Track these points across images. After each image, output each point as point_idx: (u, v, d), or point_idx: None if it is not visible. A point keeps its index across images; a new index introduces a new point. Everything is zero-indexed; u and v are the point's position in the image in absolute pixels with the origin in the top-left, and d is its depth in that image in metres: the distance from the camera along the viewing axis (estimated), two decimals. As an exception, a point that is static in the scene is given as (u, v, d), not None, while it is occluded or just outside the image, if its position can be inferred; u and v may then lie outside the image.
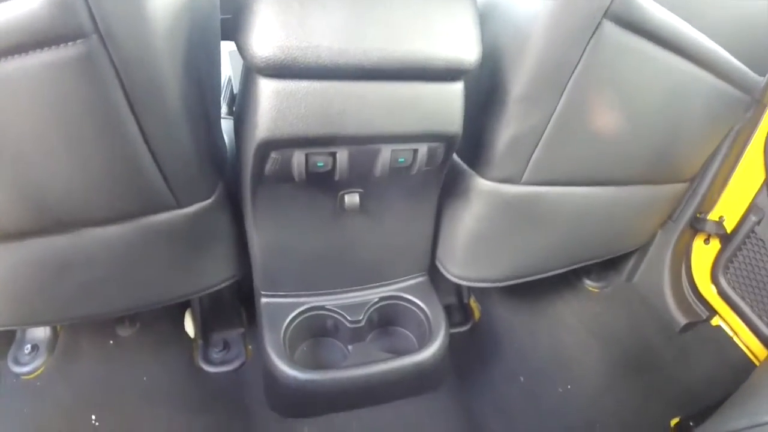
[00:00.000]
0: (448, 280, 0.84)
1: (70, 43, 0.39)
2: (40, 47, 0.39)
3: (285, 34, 0.45)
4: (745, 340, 0.99)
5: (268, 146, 0.51)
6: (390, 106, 0.52)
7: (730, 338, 1.02)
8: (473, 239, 0.77)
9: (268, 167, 0.54)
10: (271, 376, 0.71)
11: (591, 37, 0.54)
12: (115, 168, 0.50)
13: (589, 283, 1.18)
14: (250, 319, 0.97)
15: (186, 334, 0.95)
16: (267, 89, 0.48)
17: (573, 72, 0.57)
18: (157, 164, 0.52)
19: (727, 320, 1.03)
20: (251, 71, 0.49)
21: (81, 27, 0.38)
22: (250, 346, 0.94)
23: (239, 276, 0.77)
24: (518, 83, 0.58)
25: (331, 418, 0.84)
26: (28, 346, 0.87)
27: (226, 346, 0.93)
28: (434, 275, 0.85)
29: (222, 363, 0.92)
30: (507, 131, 0.62)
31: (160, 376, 0.90)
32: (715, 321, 1.06)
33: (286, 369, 0.69)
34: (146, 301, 0.71)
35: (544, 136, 0.63)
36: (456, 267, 0.82)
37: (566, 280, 1.16)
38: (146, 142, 0.49)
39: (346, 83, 0.49)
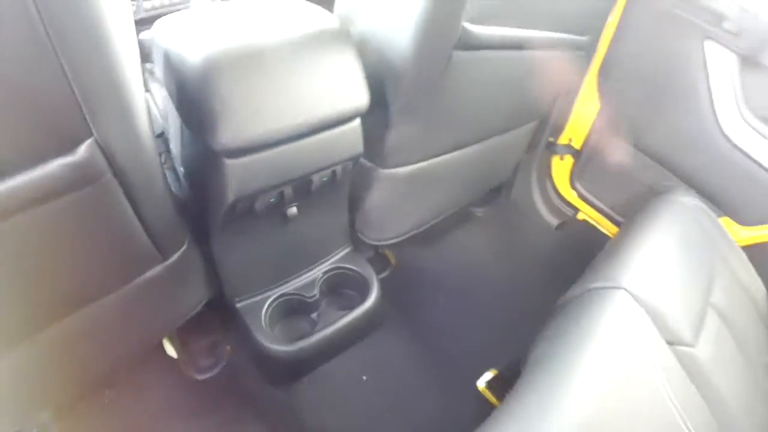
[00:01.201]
0: (367, 243, 1.10)
1: (90, 186, 0.52)
2: (67, 193, 0.51)
3: (246, 126, 0.64)
4: (604, 225, 1.37)
5: (236, 202, 0.71)
6: (316, 151, 0.75)
7: (593, 226, 1.40)
8: (381, 210, 1.03)
9: (235, 212, 0.74)
10: (266, 359, 0.93)
11: (447, 63, 0.80)
12: (115, 248, 0.64)
13: (476, 210, 1.52)
14: (222, 323, 1.11)
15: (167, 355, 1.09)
16: (233, 166, 0.67)
17: (438, 87, 0.83)
18: (146, 232, 0.66)
19: (588, 214, 1.41)
20: (215, 154, 0.67)
21: (102, 172, 0.52)
22: (228, 347, 1.12)
23: (212, 294, 0.94)
24: (398, 100, 0.83)
25: (320, 371, 1.07)
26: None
27: (209, 353, 1.09)
28: (356, 242, 1.10)
29: (209, 368, 1.07)
30: (395, 133, 0.87)
31: (156, 394, 1.03)
32: (581, 216, 1.42)
33: (277, 348, 0.91)
34: (142, 347, 0.86)
35: (422, 131, 0.90)
36: (372, 232, 1.08)
37: (457, 214, 1.36)
38: (139, 218, 0.64)
39: (286, 146, 0.70)
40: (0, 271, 0.53)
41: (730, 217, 1.12)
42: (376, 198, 0.99)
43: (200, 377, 1.07)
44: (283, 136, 0.69)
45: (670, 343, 0.74)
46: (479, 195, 1.36)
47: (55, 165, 0.48)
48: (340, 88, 0.73)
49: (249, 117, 0.64)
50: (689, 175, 1.16)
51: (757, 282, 1.05)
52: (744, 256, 1.06)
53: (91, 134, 0.49)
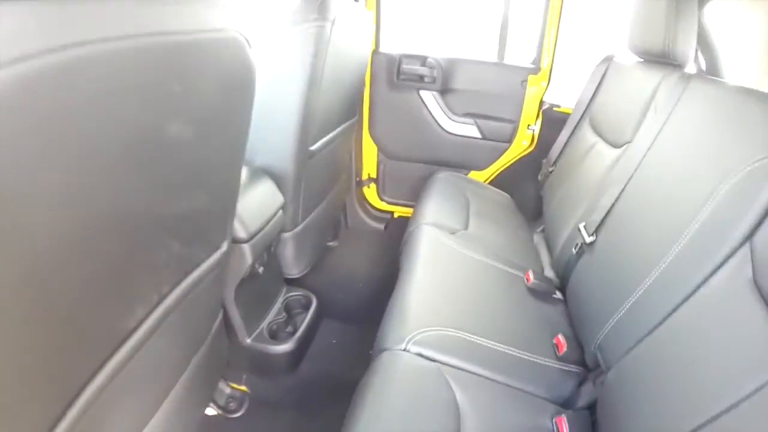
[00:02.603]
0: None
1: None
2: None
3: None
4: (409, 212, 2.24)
5: None
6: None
7: (406, 216, 1.98)
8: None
9: None
10: (269, 362, 1.32)
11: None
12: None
13: (330, 243, 2.17)
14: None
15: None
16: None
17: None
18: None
19: (399, 212, 2.31)
20: None
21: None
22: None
23: None
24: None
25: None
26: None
27: (230, 397, 1.41)
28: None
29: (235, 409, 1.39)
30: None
31: None
32: (396, 215, 2.33)
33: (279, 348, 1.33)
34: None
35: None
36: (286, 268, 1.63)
37: (320, 249, 1.97)
38: None
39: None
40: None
41: (469, 170, 2.18)
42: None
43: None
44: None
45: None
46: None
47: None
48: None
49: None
50: (435, 158, 2.17)
51: (504, 195, 2.05)
52: (484, 184, 2.10)
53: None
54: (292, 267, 1.61)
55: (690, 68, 1.28)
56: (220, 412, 1.35)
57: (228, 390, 1.40)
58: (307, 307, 1.59)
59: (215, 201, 0.79)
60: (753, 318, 0.67)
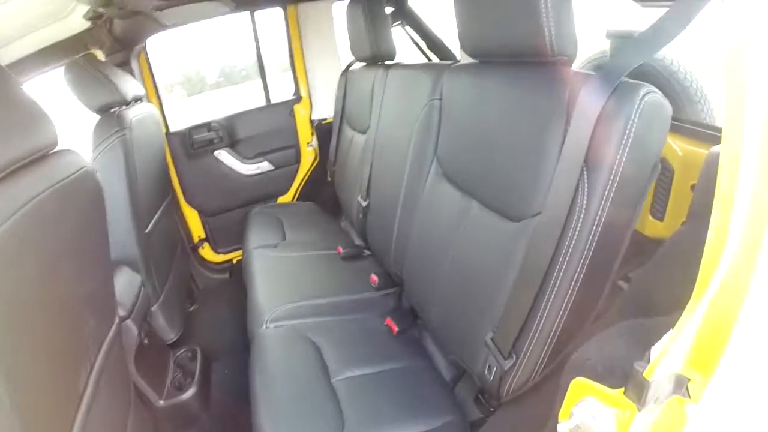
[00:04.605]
0: None
1: None
2: None
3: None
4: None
5: None
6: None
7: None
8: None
9: None
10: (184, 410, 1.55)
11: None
12: None
13: None
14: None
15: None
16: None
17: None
18: None
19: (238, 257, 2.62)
20: None
21: None
22: None
23: None
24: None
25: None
26: None
27: None
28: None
29: None
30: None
31: None
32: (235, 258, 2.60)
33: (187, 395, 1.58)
34: None
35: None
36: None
37: None
38: None
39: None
40: None
41: (276, 197, 2.65)
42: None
43: None
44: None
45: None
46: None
47: None
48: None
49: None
50: (246, 200, 2.55)
51: (309, 204, 2.51)
52: (291, 203, 2.62)
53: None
54: (169, 332, 1.84)
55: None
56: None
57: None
58: (195, 358, 1.83)
59: (103, 286, 1.08)
60: (448, 196, 1.20)
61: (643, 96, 0.73)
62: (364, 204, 1.80)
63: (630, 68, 0.73)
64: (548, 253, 0.83)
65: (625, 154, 0.73)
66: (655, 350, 0.50)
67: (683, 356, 0.49)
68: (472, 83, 1.16)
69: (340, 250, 1.86)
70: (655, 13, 0.75)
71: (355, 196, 1.93)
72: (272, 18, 2.44)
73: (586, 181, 0.77)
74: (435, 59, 2.16)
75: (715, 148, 1.18)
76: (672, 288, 0.59)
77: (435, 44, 2.18)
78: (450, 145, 1.24)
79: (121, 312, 1.38)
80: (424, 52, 2.18)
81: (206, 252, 2.56)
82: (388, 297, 1.59)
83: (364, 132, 1.93)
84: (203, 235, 2.55)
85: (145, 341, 1.52)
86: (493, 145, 1.04)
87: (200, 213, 2.50)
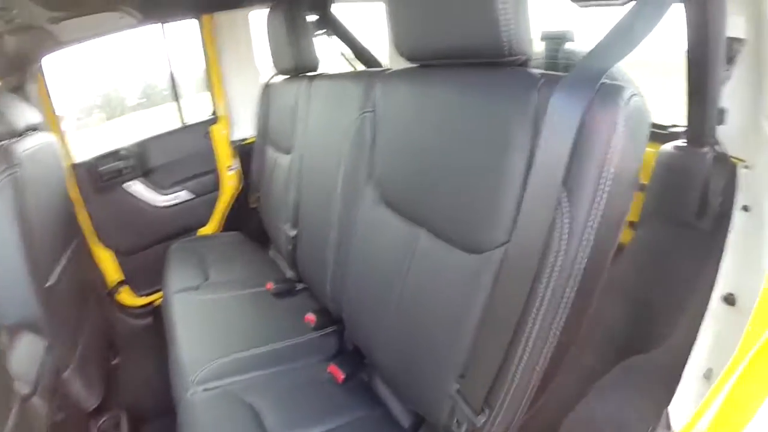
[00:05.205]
0: None
1: None
2: None
3: None
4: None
5: None
6: None
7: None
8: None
9: None
10: None
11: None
12: None
13: None
14: None
15: None
16: None
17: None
18: None
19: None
20: None
21: None
22: None
23: None
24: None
25: None
26: None
27: None
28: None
29: None
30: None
31: None
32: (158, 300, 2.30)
33: None
34: None
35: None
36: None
37: None
38: None
39: None
40: None
41: (196, 230, 2.37)
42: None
43: None
44: None
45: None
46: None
47: None
48: None
49: None
50: (164, 235, 2.26)
51: (233, 234, 2.28)
52: (214, 234, 2.36)
53: None
54: (88, 398, 1.52)
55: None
56: None
57: None
58: (119, 425, 1.58)
59: None
60: (389, 224, 1.03)
61: (629, 100, 0.61)
62: (292, 234, 1.60)
63: (610, 66, 0.61)
64: (523, 289, 0.68)
65: (612, 169, 0.61)
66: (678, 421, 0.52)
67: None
68: (410, 91, 1.01)
69: (270, 286, 1.64)
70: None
71: (281, 224, 1.73)
72: (190, 31, 2.22)
73: (566, 202, 0.64)
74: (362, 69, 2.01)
75: (665, 146, 1.14)
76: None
77: (362, 54, 2.05)
78: (388, 165, 1.08)
79: (24, 389, 1.13)
80: (350, 62, 2.04)
81: (125, 296, 2.22)
82: (328, 337, 1.40)
83: (288, 152, 1.74)
84: (121, 278, 2.21)
85: (59, 417, 1.26)
86: (439, 163, 0.89)
87: (116, 253, 2.18)
